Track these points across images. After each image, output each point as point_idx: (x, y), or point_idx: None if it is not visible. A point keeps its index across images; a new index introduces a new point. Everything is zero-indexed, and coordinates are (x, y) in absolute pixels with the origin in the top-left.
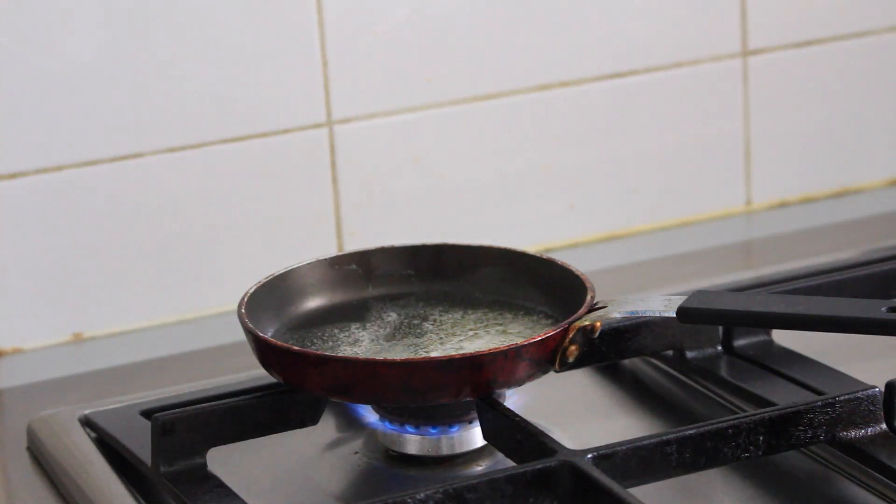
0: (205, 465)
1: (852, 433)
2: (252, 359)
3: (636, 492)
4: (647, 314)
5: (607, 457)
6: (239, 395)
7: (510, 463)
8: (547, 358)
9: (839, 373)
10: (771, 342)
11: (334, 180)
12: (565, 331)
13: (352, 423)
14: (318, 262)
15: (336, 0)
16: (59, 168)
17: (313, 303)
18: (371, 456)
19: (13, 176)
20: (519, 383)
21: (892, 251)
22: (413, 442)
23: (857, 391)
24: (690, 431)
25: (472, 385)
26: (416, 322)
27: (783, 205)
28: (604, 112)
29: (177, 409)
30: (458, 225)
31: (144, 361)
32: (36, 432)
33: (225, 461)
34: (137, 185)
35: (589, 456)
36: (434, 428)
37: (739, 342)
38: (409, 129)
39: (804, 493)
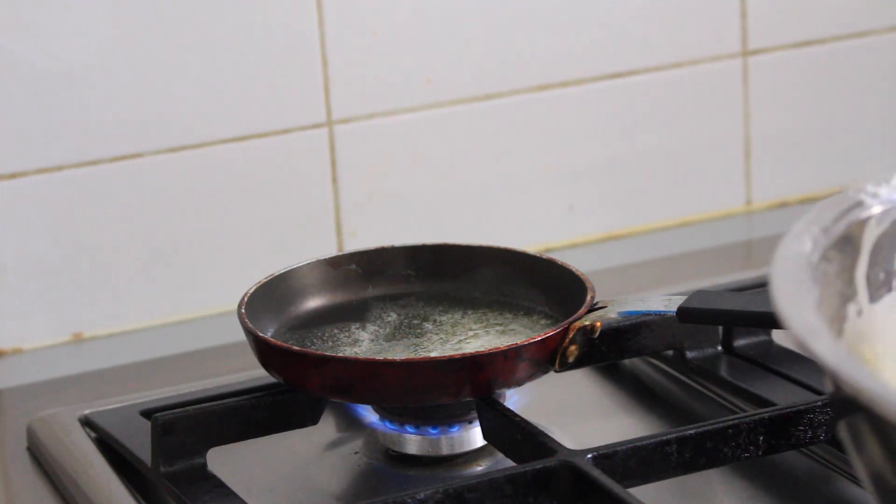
0: (205, 465)
1: None
2: (252, 359)
3: (636, 492)
4: (647, 314)
5: (607, 457)
6: (239, 395)
7: (510, 463)
8: (547, 358)
9: None
10: (771, 342)
11: (334, 180)
12: (565, 331)
13: (352, 423)
14: (318, 262)
15: (336, 0)
16: (59, 168)
17: (313, 303)
18: (371, 456)
19: (13, 176)
20: (519, 383)
21: None
22: (413, 442)
23: None
24: (690, 431)
25: (472, 385)
26: (416, 322)
27: (783, 205)
28: (604, 112)
29: (177, 409)
30: (458, 225)
31: (144, 361)
32: (36, 432)
33: (225, 461)
34: (137, 185)
35: (589, 456)
36: (434, 428)
37: (739, 342)
38: (409, 129)
39: (804, 493)
